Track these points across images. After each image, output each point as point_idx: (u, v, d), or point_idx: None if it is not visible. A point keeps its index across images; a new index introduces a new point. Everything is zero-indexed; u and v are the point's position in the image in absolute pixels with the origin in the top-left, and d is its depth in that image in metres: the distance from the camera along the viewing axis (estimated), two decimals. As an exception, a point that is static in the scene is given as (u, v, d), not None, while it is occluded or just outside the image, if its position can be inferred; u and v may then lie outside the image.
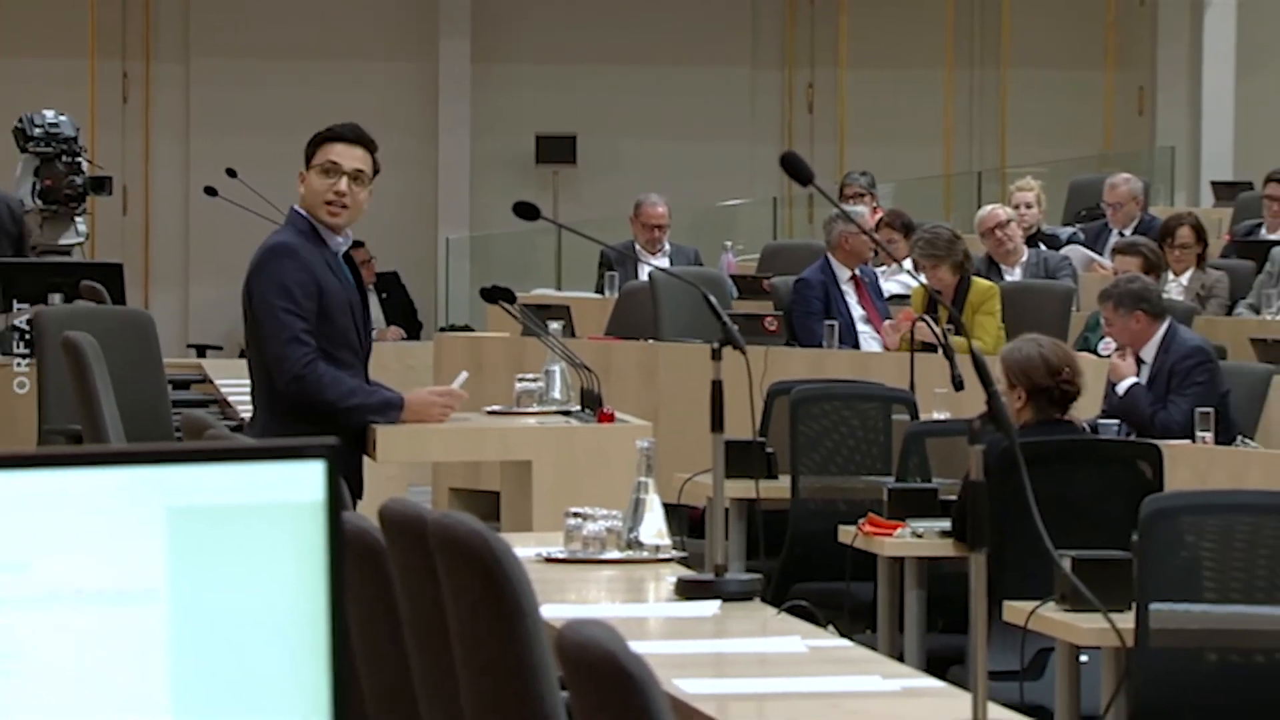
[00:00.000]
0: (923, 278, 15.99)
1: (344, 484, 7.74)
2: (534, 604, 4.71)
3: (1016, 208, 19.07)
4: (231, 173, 16.78)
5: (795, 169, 6.98)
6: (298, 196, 10.01)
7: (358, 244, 22.46)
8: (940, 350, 13.71)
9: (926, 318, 14.38)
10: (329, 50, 23.74)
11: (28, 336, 15.53)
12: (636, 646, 4.50)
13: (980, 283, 16.46)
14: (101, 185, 18.17)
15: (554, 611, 5.27)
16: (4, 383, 15.68)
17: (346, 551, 5.84)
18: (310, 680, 3.55)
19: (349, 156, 9.93)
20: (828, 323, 16.25)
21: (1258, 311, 17.46)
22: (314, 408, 9.60)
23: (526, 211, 11.09)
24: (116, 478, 3.48)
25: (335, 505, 3.54)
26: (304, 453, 3.52)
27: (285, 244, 9.83)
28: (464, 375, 11.09)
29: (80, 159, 17.67)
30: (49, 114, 17.83)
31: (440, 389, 10.89)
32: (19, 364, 15.94)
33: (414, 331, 22.70)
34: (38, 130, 17.60)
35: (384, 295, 22.93)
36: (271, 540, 3.52)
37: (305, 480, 3.52)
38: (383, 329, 22.61)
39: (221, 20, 24.02)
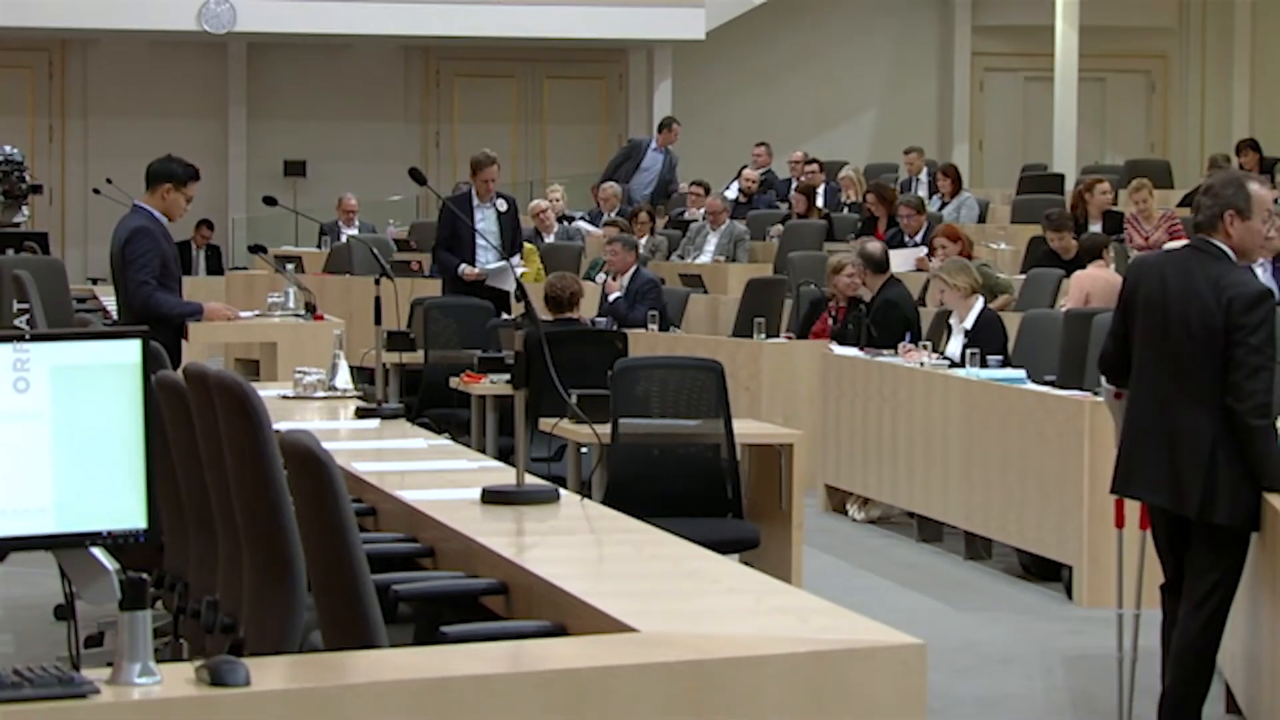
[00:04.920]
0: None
1: (165, 353, 7.66)
2: (269, 422, 4.64)
3: (551, 200, 19.08)
4: (109, 181, 16.44)
5: (417, 178, 6.97)
6: (141, 194, 9.84)
7: (210, 226, 22.63)
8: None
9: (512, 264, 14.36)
10: (163, 111, 23.33)
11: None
12: (329, 445, 4.45)
13: (527, 246, 16.36)
14: (37, 189, 17.98)
15: (282, 426, 5.19)
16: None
17: (163, 395, 5.73)
18: (133, 470, 3.50)
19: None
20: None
21: (683, 258, 17.60)
22: (154, 317, 9.44)
23: (270, 201, 11.10)
24: (24, 348, 3.42)
25: (147, 366, 3.50)
26: (127, 335, 3.48)
27: (144, 228, 9.63)
28: (252, 313, 11.16)
29: (24, 173, 17.55)
30: (7, 148, 17.65)
31: (227, 306, 10.79)
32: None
33: (218, 272, 22.27)
34: (1, 160, 17.45)
35: (209, 254, 22.62)
36: (110, 385, 3.47)
37: (129, 351, 3.47)
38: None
39: (105, 96, 23.58)
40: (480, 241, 13.73)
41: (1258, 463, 6.20)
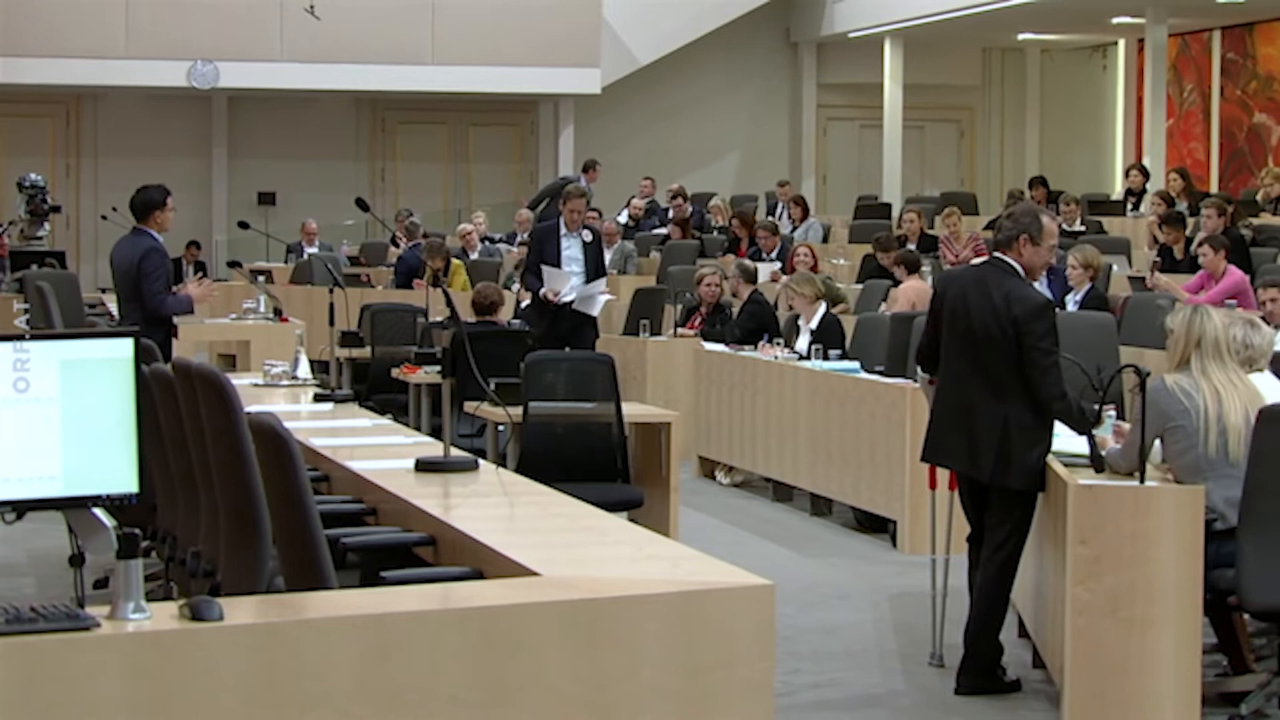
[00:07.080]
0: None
1: (157, 349, 7.57)
2: (241, 405, 4.61)
3: (475, 224, 18.97)
4: (114, 209, 16.28)
5: (362, 206, 6.94)
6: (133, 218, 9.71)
7: (197, 246, 22.42)
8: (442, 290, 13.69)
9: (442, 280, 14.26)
10: (158, 153, 23.06)
11: (20, 285, 15.16)
12: (290, 424, 4.42)
13: (455, 262, 16.25)
14: (56, 209, 18.06)
15: (252, 408, 5.15)
16: (7, 307, 15.03)
17: (155, 383, 5.68)
18: (128, 444, 3.47)
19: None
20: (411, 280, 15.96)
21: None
22: (160, 317, 9.31)
23: (245, 225, 11.01)
24: (39, 346, 3.39)
25: (138, 359, 3.46)
26: (122, 334, 3.45)
27: (156, 248, 9.42)
28: (230, 316, 11.06)
29: (46, 197, 17.52)
30: (33, 176, 17.68)
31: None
32: (7, 294, 15.52)
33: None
34: (28, 184, 17.42)
35: (196, 268, 22.31)
36: (108, 376, 3.44)
37: (124, 347, 3.44)
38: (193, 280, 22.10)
39: (111, 140, 23.30)
40: (568, 268, 11.94)
41: (1069, 426, 6.34)
